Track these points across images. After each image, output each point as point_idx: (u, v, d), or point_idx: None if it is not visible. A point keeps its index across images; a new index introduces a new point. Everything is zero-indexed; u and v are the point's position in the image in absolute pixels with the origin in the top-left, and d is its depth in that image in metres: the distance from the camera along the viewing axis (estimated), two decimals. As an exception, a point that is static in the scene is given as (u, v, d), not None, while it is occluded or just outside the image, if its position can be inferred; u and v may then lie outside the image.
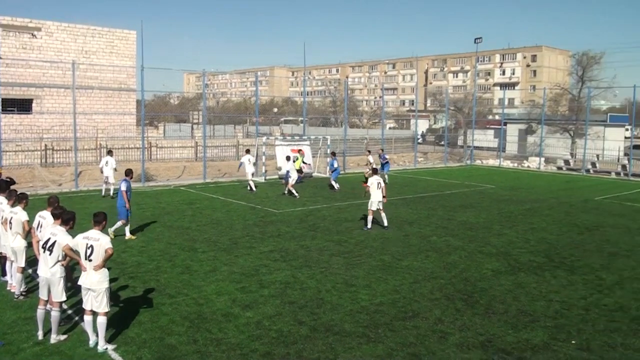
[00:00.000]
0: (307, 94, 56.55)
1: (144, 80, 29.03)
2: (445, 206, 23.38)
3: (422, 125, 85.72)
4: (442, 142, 53.94)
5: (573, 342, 9.45)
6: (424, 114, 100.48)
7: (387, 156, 32.37)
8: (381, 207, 18.38)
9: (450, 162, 46.80)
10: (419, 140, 56.62)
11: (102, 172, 24.26)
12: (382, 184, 18.48)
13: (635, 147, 45.93)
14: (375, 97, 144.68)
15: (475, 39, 63.60)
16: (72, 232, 9.43)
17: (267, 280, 12.41)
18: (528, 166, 45.70)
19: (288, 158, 27.55)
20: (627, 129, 56.08)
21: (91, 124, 42.90)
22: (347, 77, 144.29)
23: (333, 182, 28.07)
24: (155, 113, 66.42)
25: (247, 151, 28.42)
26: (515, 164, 46.83)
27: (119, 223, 16.33)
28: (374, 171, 19.36)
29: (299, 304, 10.97)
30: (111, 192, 23.91)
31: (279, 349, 8.92)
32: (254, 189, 26.72)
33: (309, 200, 24.12)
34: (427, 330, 9.79)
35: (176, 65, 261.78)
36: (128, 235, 16.28)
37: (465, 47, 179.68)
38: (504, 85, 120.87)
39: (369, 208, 18.34)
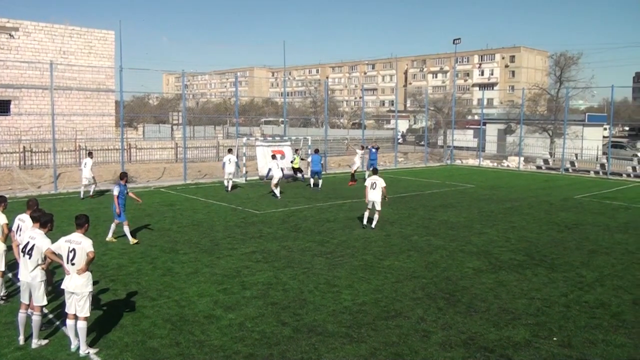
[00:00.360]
0: (288, 95, 56.55)
1: (122, 81, 28.85)
2: (426, 206, 23.50)
3: (402, 126, 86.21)
4: (422, 142, 54.21)
5: (555, 339, 9.55)
6: (404, 114, 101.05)
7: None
8: (378, 208, 18.33)
9: (430, 162, 47.06)
10: (399, 141, 56.87)
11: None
12: (379, 184, 18.31)
13: (614, 146, 46.61)
14: (356, 98, 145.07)
15: (454, 40, 64.18)
16: (51, 234, 9.31)
17: (249, 282, 12.37)
18: (508, 165, 46.12)
19: (273, 157, 27.41)
20: (605, 129, 56.92)
21: (70, 125, 42.39)
22: (327, 78, 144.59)
23: (312, 180, 28.86)
24: (135, 114, 65.88)
25: (229, 151, 28.41)
26: (495, 164, 47.23)
27: (113, 225, 16.27)
28: (374, 171, 19.33)
29: (282, 304, 10.94)
30: (91, 193, 23.82)
31: (262, 350, 8.89)
32: (228, 188, 26.86)
33: (291, 201, 24.09)
34: (410, 329, 9.82)
35: (155, 66, 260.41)
36: (130, 238, 16.04)
37: (444, 47, 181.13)
38: (483, 86, 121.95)
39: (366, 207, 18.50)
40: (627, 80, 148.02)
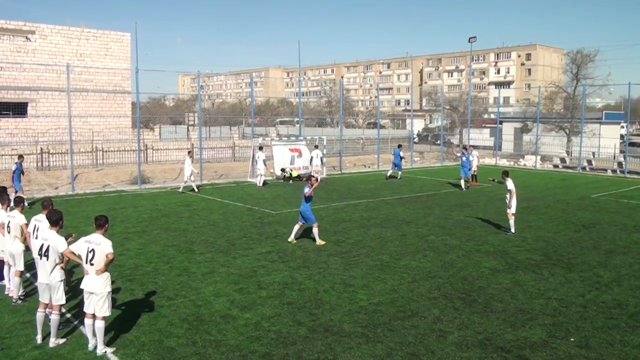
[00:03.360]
0: (303, 95, 56.61)
1: (138, 82, 29.08)
2: (442, 205, 23.41)
3: (418, 125, 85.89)
4: (438, 142, 53.99)
5: (572, 339, 9.47)
6: (419, 113, 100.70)
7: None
8: None
9: (446, 161, 46.85)
10: (415, 140, 56.68)
11: None
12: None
13: (631, 144, 46.09)
14: (371, 97, 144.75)
15: (470, 38, 63.78)
16: (63, 231, 9.43)
17: (265, 281, 12.41)
18: (524, 164, 45.80)
19: (261, 148, 29.92)
20: (622, 127, 56.25)
21: (86, 127, 42.81)
22: (342, 77, 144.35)
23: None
24: (151, 115, 66.23)
25: (260, 148, 30.12)
26: (511, 163, 46.92)
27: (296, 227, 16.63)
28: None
29: (298, 304, 10.96)
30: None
31: (278, 349, 8.91)
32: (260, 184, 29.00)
33: (306, 201, 24.09)
34: (426, 329, 9.79)
35: (170, 67, 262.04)
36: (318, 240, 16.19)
37: (460, 46, 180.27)
38: (499, 84, 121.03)
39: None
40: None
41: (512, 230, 17.90)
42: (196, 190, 26.60)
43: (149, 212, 21.14)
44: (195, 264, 13.79)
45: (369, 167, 41.81)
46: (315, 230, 16.24)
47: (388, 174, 33.70)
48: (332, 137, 44.23)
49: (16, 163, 22.41)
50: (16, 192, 21.58)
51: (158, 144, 44.15)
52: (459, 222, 19.72)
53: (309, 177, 17.08)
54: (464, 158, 30.19)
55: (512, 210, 18.03)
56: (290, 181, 31.20)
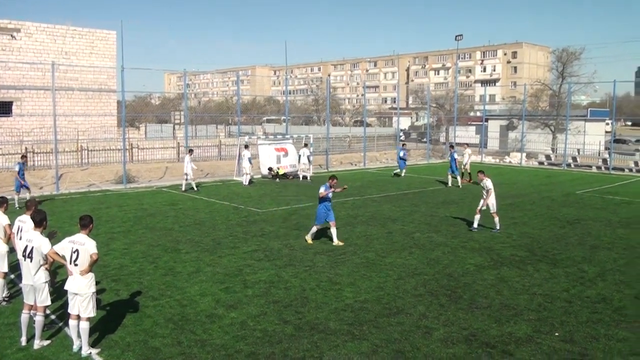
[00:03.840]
0: (289, 93, 56.54)
1: (124, 80, 28.81)
2: (428, 203, 23.49)
3: (404, 123, 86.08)
4: (424, 139, 54.18)
5: (556, 334, 9.55)
6: (406, 111, 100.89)
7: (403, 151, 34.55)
8: None
9: (432, 159, 47.00)
10: (402, 138, 56.81)
11: None
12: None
13: (616, 141, 46.49)
14: (357, 95, 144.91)
15: (456, 36, 63.88)
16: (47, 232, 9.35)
17: (251, 280, 12.38)
18: (510, 161, 46.06)
19: (247, 146, 30.10)
20: (607, 124, 56.71)
21: (72, 126, 42.40)
22: (329, 76, 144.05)
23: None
24: (136, 114, 65.76)
25: (246, 147, 30.21)
26: (497, 160, 47.19)
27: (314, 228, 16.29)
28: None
29: (284, 303, 10.95)
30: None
31: (264, 348, 8.90)
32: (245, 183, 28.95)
33: (293, 200, 24.10)
34: (412, 326, 9.83)
35: (157, 65, 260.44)
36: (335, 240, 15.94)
37: (446, 44, 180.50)
38: (485, 82, 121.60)
39: None
40: (629, 74, 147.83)
41: (497, 227, 17.93)
42: (195, 189, 26.57)
43: (134, 211, 21.02)
44: (180, 264, 13.74)
45: (355, 165, 41.85)
46: (313, 230, 16.11)
47: (395, 172, 34.40)
48: (319, 135, 44.22)
49: (19, 163, 22.26)
50: (28, 190, 22.13)
51: (144, 143, 43.81)
52: (444, 219, 19.79)
53: (331, 177, 16.60)
54: (454, 155, 30.44)
55: (493, 208, 17.92)
56: (277, 179, 31.17)
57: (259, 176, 32.17)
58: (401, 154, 34.17)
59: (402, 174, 33.68)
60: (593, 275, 13.08)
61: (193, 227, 18.10)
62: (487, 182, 18.01)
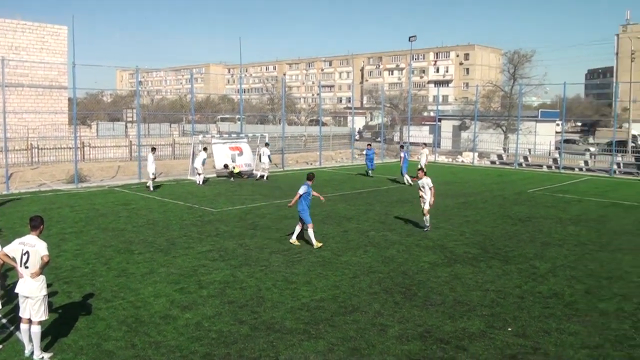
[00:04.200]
0: (244, 92, 56.22)
1: (75, 77, 28.12)
2: (382, 201, 23.72)
3: (359, 122, 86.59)
4: (379, 139, 54.67)
5: (509, 329, 9.77)
6: (360, 111, 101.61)
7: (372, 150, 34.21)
8: None
9: (387, 158, 47.45)
10: (356, 137, 57.19)
11: None
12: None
13: (566, 141, 47.82)
14: (313, 95, 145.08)
15: (410, 37, 64.45)
16: (6, 235, 9.05)
17: (205, 281, 12.27)
18: (462, 161, 46.90)
19: (205, 149, 29.91)
20: (557, 124, 58.34)
21: (22, 124, 41.22)
22: (284, 75, 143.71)
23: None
24: (88, 111, 64.26)
25: (205, 149, 30.00)
26: (450, 159, 47.98)
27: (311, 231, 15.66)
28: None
29: (239, 303, 10.89)
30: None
31: (220, 349, 8.83)
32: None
33: (248, 199, 23.98)
34: (367, 323, 9.91)
35: (108, 62, 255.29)
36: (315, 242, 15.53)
37: (400, 45, 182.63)
38: (438, 83, 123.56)
39: None
40: (579, 77, 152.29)
41: (428, 225, 17.86)
42: (151, 189, 26.16)
43: (86, 211, 20.55)
44: (134, 265, 13.50)
45: (311, 164, 41.90)
46: (310, 232, 15.66)
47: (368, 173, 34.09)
48: (274, 134, 44.12)
49: None
50: None
51: (95, 141, 42.85)
52: (399, 217, 20.02)
53: (309, 175, 16.28)
54: (402, 154, 30.88)
55: (427, 206, 17.82)
56: (232, 178, 30.96)
57: (214, 175, 31.89)
58: (365, 152, 34.30)
59: (371, 174, 33.76)
60: (544, 271, 13.44)
61: (146, 228, 17.81)
62: (428, 181, 18.07)
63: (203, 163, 28.87)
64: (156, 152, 27.80)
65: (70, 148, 35.25)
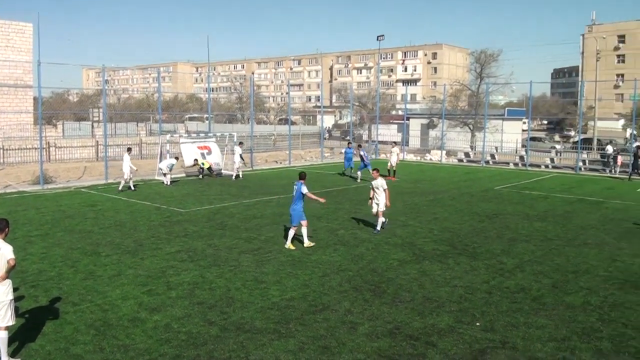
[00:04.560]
0: (212, 90, 55.87)
1: (41, 76, 27.58)
2: (351, 200, 23.83)
3: (328, 121, 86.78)
4: (347, 138, 54.88)
5: (477, 324, 9.92)
6: (329, 109, 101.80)
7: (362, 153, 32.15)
8: None
9: (356, 157, 47.57)
10: (325, 136, 57.29)
11: None
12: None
13: (532, 139, 48.68)
14: (282, 93, 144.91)
15: (378, 37, 64.99)
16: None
17: (174, 282, 12.16)
18: (430, 159, 47.38)
19: (177, 158, 30.02)
20: (524, 122, 59.32)
21: (-14, 124, 40.29)
22: (252, 73, 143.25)
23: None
24: (54, 111, 63.08)
25: (176, 158, 30.15)
26: (418, 157, 48.41)
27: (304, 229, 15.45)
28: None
29: (208, 304, 10.83)
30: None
31: (189, 351, 8.78)
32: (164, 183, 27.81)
33: (216, 198, 23.84)
34: (337, 322, 9.95)
35: (74, 60, 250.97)
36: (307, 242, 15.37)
37: (369, 44, 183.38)
38: (406, 82, 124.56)
39: None
40: (545, 76, 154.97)
41: (379, 228, 17.33)
42: (133, 188, 25.91)
43: (52, 213, 20.19)
44: (101, 267, 13.32)
45: (280, 163, 41.86)
46: (304, 230, 15.40)
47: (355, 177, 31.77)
48: (243, 134, 43.93)
49: None
50: None
51: (61, 142, 42.09)
52: (368, 216, 20.09)
53: (301, 174, 16.06)
54: (361, 153, 31.47)
55: (383, 208, 17.34)
56: (201, 176, 30.82)
57: (183, 175, 31.63)
58: (356, 153, 32.97)
59: (358, 177, 31.15)
60: (512, 266, 13.67)
61: (113, 229, 17.57)
62: (383, 182, 17.52)
63: (170, 169, 28.54)
64: (132, 152, 27.54)
65: (35, 148, 34.61)
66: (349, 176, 32.68)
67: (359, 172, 30.74)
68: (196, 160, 31.50)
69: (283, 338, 9.26)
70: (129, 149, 27.18)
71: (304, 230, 15.48)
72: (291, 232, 15.38)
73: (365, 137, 60.08)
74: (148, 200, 23.18)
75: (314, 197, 15.90)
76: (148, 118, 67.95)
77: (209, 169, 31.54)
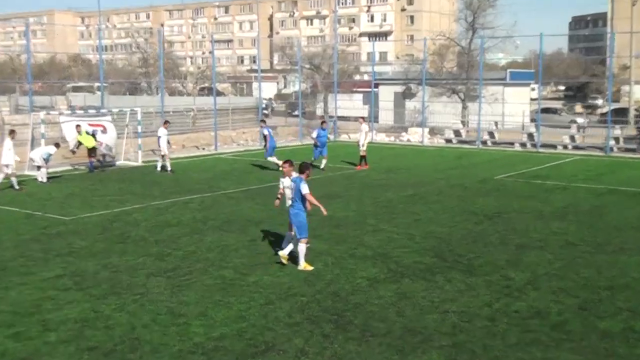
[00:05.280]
0: (105, 49, 54.97)
1: None
2: (303, 198, 23.71)
3: (269, 91, 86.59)
4: (296, 112, 54.78)
5: (478, 364, 9.93)
6: (269, 74, 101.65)
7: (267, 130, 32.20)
8: None
9: (307, 139, 47.61)
10: (265, 111, 57.02)
11: None
12: None
13: (545, 110, 49.39)
14: (204, 53, 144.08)
15: (334, -28, 65.13)
16: None
17: (54, 320, 11.81)
18: (408, 140, 47.72)
19: (57, 144, 28.89)
20: (533, 89, 60.36)
21: None
22: (162, 26, 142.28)
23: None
24: None
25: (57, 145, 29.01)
26: (392, 138, 48.70)
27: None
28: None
29: (104, 349, 10.54)
30: None
31: (76, 415, 8.52)
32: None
33: (114, 200, 23.43)
34: (286, 368, 9.83)
35: None
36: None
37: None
38: (373, 36, 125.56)
39: None
40: (561, 27, 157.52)
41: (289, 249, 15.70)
42: (16, 187, 25.43)
43: None
44: (-53, 300, 12.87)
45: (203, 148, 41.56)
46: (301, 247, 14.90)
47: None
48: (150, 109, 43.35)
49: None
50: None
51: None
52: (325, 218, 19.90)
53: (303, 166, 15.25)
54: (265, 131, 31.59)
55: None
56: (94, 171, 30.22)
57: (67, 167, 30.96)
58: (315, 135, 32.39)
59: (322, 165, 31.80)
60: (522, 283, 13.76)
61: (-35, 246, 17.07)
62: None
63: (47, 160, 27.76)
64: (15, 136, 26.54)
65: None
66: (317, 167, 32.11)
67: (273, 159, 30.61)
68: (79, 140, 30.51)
69: (210, 393, 9.08)
70: (12, 132, 26.28)
71: (301, 248, 14.93)
72: (302, 248, 14.82)
73: (319, 112, 60.15)
74: (15, 205, 22.61)
75: (315, 202, 15.19)
76: (13, 89, 66.36)
77: (93, 149, 30.51)
